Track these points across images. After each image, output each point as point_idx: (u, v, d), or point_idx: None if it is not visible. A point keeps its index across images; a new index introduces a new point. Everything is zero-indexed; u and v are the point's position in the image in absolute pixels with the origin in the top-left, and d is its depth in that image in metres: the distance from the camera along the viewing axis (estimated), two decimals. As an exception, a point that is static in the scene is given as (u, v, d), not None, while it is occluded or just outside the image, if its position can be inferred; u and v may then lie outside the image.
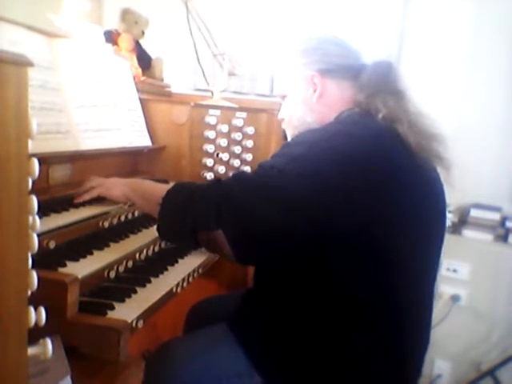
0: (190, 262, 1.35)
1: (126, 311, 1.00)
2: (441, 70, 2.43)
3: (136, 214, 1.40)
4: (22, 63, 0.59)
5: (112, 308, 0.99)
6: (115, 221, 1.31)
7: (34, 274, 0.66)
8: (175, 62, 2.46)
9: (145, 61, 2.02)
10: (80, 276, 0.96)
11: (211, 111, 1.75)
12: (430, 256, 1.11)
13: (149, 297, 1.08)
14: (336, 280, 1.01)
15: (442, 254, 1.15)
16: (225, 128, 1.75)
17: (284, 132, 1.31)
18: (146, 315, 1.02)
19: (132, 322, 0.96)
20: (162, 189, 1.08)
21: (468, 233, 2.34)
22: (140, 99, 1.73)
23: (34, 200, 0.63)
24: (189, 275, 1.27)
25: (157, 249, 1.31)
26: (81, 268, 1.01)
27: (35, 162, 0.62)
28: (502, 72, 2.35)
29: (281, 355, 1.07)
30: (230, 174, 1.06)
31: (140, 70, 1.92)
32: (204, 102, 1.89)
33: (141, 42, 2.03)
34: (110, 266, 1.10)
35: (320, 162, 0.96)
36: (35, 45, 1.32)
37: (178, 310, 1.48)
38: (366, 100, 1.08)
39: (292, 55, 1.20)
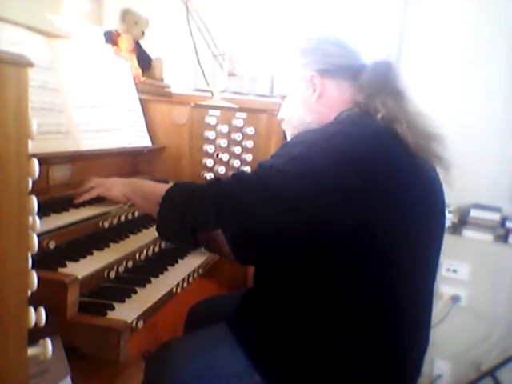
0: (190, 263, 1.35)
1: (126, 311, 1.00)
2: (441, 70, 2.43)
3: (136, 214, 1.40)
4: (22, 64, 0.60)
5: (112, 308, 0.99)
6: (115, 221, 1.31)
7: (34, 274, 0.66)
8: (175, 62, 2.47)
9: (145, 61, 2.02)
10: (80, 276, 0.96)
11: (211, 111, 1.76)
12: (430, 256, 1.11)
13: (149, 297, 1.08)
14: (335, 280, 1.01)
15: (442, 255, 1.15)
16: (225, 128, 1.75)
17: (284, 132, 1.31)
18: (146, 315, 1.02)
19: (132, 322, 0.96)
20: (162, 188, 1.08)
21: (468, 233, 2.34)
22: (140, 99, 1.74)
23: (34, 200, 0.64)
24: (189, 275, 1.27)
25: (157, 249, 1.31)
26: (81, 268, 1.01)
27: (35, 162, 0.62)
28: (502, 72, 2.35)
29: (280, 355, 1.07)
30: (230, 174, 1.06)
31: (140, 71, 1.92)
32: (204, 103, 1.89)
33: (141, 42, 2.03)
34: (109, 267, 1.10)
35: (319, 161, 0.96)
36: (35, 45, 1.32)
37: (178, 310, 1.48)
38: (365, 100, 1.08)
39: (291, 55, 1.20)
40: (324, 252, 1.00)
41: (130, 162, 1.75)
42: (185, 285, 1.24)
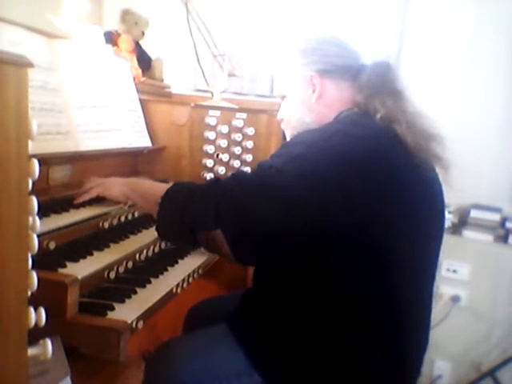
0: (190, 263, 1.35)
1: (126, 312, 1.00)
2: (441, 70, 2.43)
3: (136, 214, 1.40)
4: (22, 64, 0.60)
5: (112, 309, 0.99)
6: (115, 221, 1.31)
7: (34, 275, 0.66)
8: (175, 62, 2.47)
9: (145, 61, 2.02)
10: (80, 277, 0.96)
11: (211, 112, 1.76)
12: (429, 256, 1.11)
13: (149, 297, 1.08)
14: (334, 280, 1.01)
15: (442, 255, 1.15)
16: (225, 129, 1.75)
17: (284, 132, 1.31)
18: (146, 316, 1.02)
19: (132, 322, 0.97)
20: (162, 188, 1.08)
21: (468, 233, 2.34)
22: (140, 100, 1.74)
23: (34, 201, 0.64)
24: (189, 276, 1.27)
25: (157, 249, 1.31)
26: (81, 269, 1.01)
27: (35, 162, 0.62)
28: (502, 72, 2.35)
29: (280, 355, 1.07)
30: (230, 174, 1.06)
31: (140, 71, 1.92)
32: (204, 103, 1.90)
33: (141, 42, 2.03)
34: (109, 267, 1.10)
35: (319, 161, 0.96)
36: (35, 45, 1.32)
37: (178, 310, 1.48)
38: (364, 100, 1.08)
39: (291, 56, 1.20)
40: (323, 252, 1.00)
41: (130, 162, 1.75)
42: (185, 285, 1.24)
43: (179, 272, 1.27)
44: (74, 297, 0.93)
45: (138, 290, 1.10)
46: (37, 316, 0.66)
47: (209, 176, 1.76)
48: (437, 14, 2.43)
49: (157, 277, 1.19)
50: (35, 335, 0.68)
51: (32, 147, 0.62)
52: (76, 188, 1.31)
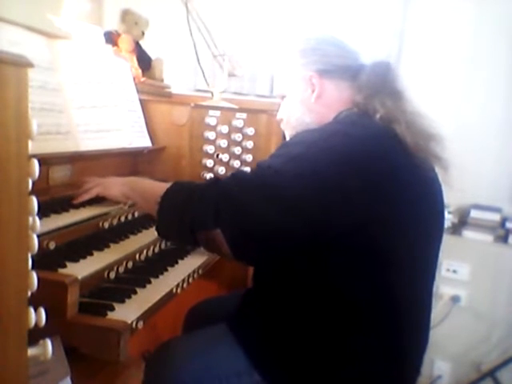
0: (190, 263, 1.35)
1: (126, 312, 1.00)
2: (441, 71, 2.43)
3: (136, 214, 1.40)
4: (21, 64, 0.60)
5: (112, 309, 0.99)
6: (115, 221, 1.31)
7: (34, 275, 0.66)
8: (175, 62, 2.47)
9: (145, 61, 2.02)
10: (80, 277, 0.96)
11: (211, 112, 1.76)
12: (429, 256, 1.11)
13: (149, 297, 1.08)
14: (334, 280, 1.01)
15: (442, 255, 1.15)
16: (225, 129, 1.75)
17: (283, 132, 1.31)
18: (146, 316, 1.02)
19: (132, 322, 0.96)
20: (161, 188, 1.08)
21: (468, 233, 2.34)
22: (140, 100, 1.74)
23: (34, 201, 0.64)
24: (189, 276, 1.27)
25: (157, 249, 1.31)
26: (81, 269, 1.01)
27: (35, 162, 0.62)
28: (502, 72, 2.35)
29: (280, 354, 1.07)
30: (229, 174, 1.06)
31: (140, 71, 1.92)
32: (204, 103, 1.90)
33: (141, 42, 2.03)
34: (109, 267, 1.10)
35: (318, 161, 0.96)
36: (35, 45, 1.32)
37: (178, 310, 1.48)
38: (364, 100, 1.08)
39: (291, 56, 1.20)
40: (323, 252, 1.00)
41: (129, 162, 1.75)
42: (185, 285, 1.24)
43: (179, 272, 1.27)
44: (74, 297, 0.93)
45: (137, 290, 1.10)
46: (37, 316, 0.66)
47: (209, 176, 1.76)
48: (437, 14, 2.43)
49: (157, 277, 1.19)
50: (35, 335, 0.68)
51: (32, 147, 0.62)
52: (76, 188, 1.31)
